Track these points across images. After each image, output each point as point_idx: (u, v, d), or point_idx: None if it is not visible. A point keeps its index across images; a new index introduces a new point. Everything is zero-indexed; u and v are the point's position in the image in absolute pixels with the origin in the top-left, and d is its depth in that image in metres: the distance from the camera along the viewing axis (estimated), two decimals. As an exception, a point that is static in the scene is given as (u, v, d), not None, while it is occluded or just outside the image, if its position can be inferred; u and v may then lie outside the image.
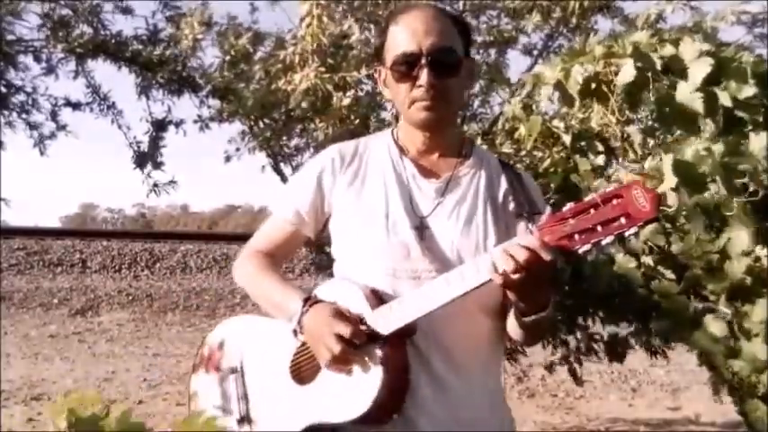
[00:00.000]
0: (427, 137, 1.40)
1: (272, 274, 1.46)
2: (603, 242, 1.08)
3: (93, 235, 9.87)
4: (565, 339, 2.74)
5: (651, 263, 1.84)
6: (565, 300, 2.17)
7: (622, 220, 1.05)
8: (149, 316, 7.65)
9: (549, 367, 3.10)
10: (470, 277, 1.18)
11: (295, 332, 1.32)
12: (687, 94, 1.59)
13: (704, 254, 1.66)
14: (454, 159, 1.41)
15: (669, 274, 1.80)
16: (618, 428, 4.64)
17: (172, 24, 3.60)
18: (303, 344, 1.34)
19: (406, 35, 1.34)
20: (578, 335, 2.67)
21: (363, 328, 1.23)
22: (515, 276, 1.13)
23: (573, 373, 2.99)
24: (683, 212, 1.59)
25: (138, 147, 3.75)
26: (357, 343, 1.22)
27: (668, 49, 1.67)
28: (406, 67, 1.33)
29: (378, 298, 1.28)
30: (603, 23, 3.89)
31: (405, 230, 1.33)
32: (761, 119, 1.55)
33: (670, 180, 1.52)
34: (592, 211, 1.08)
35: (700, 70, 1.59)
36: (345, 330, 1.21)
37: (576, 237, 1.09)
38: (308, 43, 3.07)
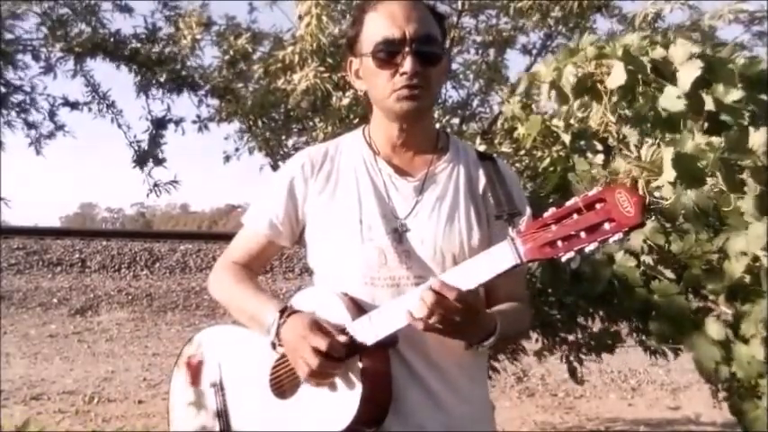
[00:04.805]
0: (403, 130, 1.32)
1: (247, 285, 1.40)
2: (587, 249, 1.04)
3: (92, 235, 9.84)
4: (565, 338, 2.73)
5: (651, 262, 1.83)
6: (565, 299, 2.17)
7: (606, 225, 1.01)
8: (149, 315, 7.64)
9: (538, 354, 3.03)
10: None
11: (273, 345, 1.27)
12: (673, 98, 1.54)
13: (704, 253, 1.66)
14: (430, 155, 1.35)
15: (669, 274, 1.79)
16: (617, 428, 4.64)
17: (171, 24, 3.59)
18: (282, 356, 1.29)
19: (387, 21, 1.26)
20: (578, 334, 2.66)
21: (343, 338, 1.17)
22: (431, 321, 1.10)
23: (572, 371, 2.98)
24: (683, 212, 1.57)
25: (139, 145, 3.73)
26: (335, 356, 1.16)
27: (659, 52, 1.63)
28: (388, 55, 1.26)
29: (357, 307, 1.23)
30: (602, 23, 3.90)
31: (380, 235, 1.27)
32: (745, 123, 1.51)
33: (669, 173, 1.48)
34: (574, 215, 1.03)
35: (689, 73, 1.55)
36: (322, 343, 1.15)
37: (559, 244, 1.04)
38: (308, 43, 3.06)
